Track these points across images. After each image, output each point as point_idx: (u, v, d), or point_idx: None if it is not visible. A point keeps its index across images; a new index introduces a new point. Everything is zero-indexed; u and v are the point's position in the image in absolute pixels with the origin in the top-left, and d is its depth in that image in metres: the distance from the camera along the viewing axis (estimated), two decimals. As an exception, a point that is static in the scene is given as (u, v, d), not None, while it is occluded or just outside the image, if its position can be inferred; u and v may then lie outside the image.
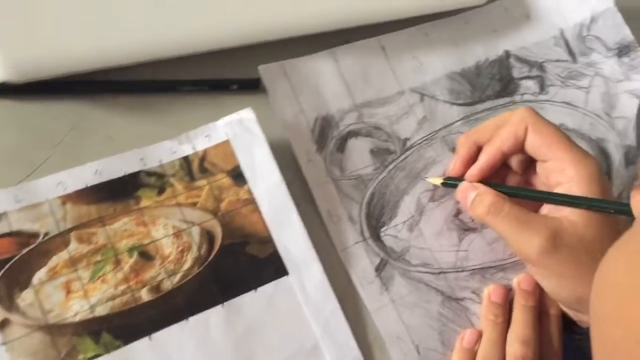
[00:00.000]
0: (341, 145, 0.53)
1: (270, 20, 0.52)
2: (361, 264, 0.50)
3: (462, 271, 0.52)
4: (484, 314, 0.50)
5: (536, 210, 0.49)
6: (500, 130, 0.49)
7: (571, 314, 0.50)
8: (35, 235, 0.43)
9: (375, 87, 0.55)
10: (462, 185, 0.50)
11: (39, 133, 0.47)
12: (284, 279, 0.47)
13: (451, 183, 0.52)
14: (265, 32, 0.52)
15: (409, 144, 0.55)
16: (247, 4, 0.51)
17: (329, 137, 0.53)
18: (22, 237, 0.42)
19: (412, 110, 0.56)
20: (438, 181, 0.53)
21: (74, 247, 0.43)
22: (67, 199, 0.44)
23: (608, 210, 0.44)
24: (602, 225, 0.44)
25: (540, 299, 0.50)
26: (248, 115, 0.50)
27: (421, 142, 0.55)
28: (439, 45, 0.59)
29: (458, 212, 0.54)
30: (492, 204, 0.46)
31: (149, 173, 0.47)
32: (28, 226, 0.43)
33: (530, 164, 0.51)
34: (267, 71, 0.52)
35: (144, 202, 0.46)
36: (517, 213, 0.45)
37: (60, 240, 0.43)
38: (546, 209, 0.48)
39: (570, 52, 0.63)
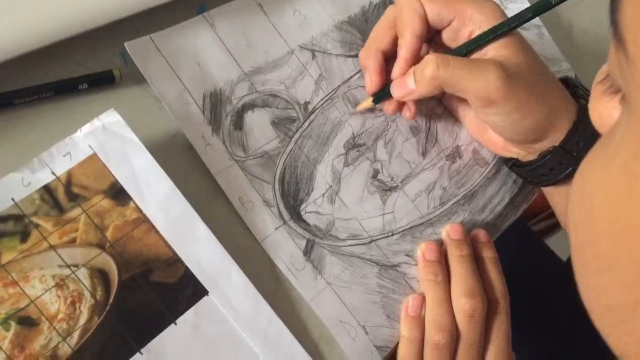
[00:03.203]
0: (238, 122, 0.46)
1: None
2: (287, 251, 0.45)
3: (392, 235, 0.48)
4: (422, 276, 0.47)
5: None
6: (401, 19, 0.46)
7: (521, 151, 0.49)
8: None
9: (261, 50, 0.49)
10: (397, 80, 0.47)
11: None
12: (204, 300, 0.40)
13: (382, 93, 0.48)
14: (105, 11, 0.42)
15: (310, 107, 0.49)
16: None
17: (223, 115, 0.46)
18: None
19: (306, 69, 0.50)
20: (369, 102, 0.49)
21: None
22: None
23: (529, 18, 0.44)
24: (526, 50, 0.45)
25: (473, 246, 0.48)
26: (112, 117, 0.40)
27: (323, 104, 0.50)
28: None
29: (376, 173, 0.49)
30: (437, 59, 0.44)
31: (3, 218, 0.37)
32: None
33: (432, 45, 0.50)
34: (135, 48, 0.43)
35: (6, 256, 0.36)
36: (463, 59, 0.44)
37: None
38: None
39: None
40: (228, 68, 0.48)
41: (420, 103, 0.49)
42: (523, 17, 0.44)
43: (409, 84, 0.45)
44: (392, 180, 0.50)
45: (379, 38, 0.48)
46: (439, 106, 0.53)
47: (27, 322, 0.35)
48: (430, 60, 0.44)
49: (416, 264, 0.48)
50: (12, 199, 0.37)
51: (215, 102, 0.46)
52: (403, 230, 0.49)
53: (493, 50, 0.45)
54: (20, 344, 0.35)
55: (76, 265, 0.38)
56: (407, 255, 0.48)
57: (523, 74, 0.44)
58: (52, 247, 0.37)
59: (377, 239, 0.48)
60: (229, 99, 0.47)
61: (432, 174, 0.51)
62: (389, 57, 0.49)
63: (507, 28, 0.44)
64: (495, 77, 0.43)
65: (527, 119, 0.45)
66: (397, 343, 0.45)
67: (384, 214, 0.49)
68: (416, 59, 0.47)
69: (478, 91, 0.44)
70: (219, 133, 0.46)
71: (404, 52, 0.46)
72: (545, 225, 0.93)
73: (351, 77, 0.52)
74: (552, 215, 0.54)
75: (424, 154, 0.52)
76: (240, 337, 0.40)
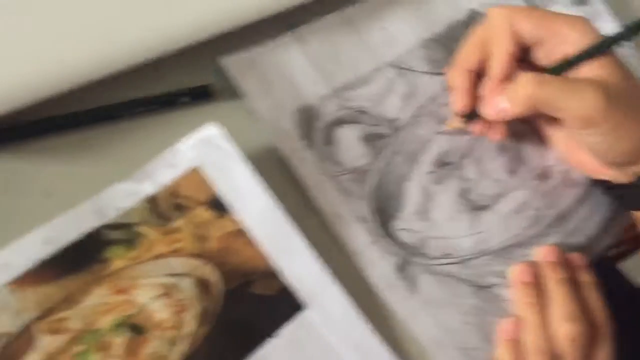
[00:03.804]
0: (328, 137, 0.47)
1: (201, 15, 0.43)
2: (381, 268, 0.44)
3: (484, 255, 0.47)
4: (519, 299, 0.45)
5: None
6: (492, 36, 0.45)
7: (614, 173, 0.47)
8: (-12, 341, 0.32)
9: (349, 67, 0.49)
10: (488, 99, 0.45)
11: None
12: (302, 314, 0.40)
13: (471, 113, 0.47)
14: (198, 29, 0.43)
15: (398, 124, 0.49)
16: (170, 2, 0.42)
17: (315, 130, 0.46)
18: (-28, 349, 0.32)
19: (393, 86, 0.50)
20: (457, 122, 0.48)
21: (46, 343, 0.33)
22: (17, 284, 0.34)
23: (627, 37, 0.43)
24: (622, 70, 0.44)
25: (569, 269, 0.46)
26: (214, 130, 0.41)
27: (410, 121, 0.49)
28: (404, 12, 0.53)
29: (465, 192, 0.49)
30: (534, 77, 0.42)
31: (112, 226, 0.37)
32: (-24, 332, 0.32)
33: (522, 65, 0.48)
34: (231, 64, 0.44)
35: (116, 264, 0.36)
36: (560, 78, 0.43)
37: (24, 339, 0.33)
38: None
39: (531, 3, 0.58)
40: (318, 84, 0.48)
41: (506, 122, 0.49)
42: (620, 37, 0.43)
43: (502, 104, 0.45)
44: (481, 199, 0.49)
45: (468, 57, 0.47)
46: (526, 125, 0.53)
47: (136, 330, 0.35)
48: (527, 79, 0.43)
49: (509, 286, 0.47)
50: (120, 209, 0.38)
51: (306, 118, 0.47)
52: (495, 251, 0.48)
53: (588, 70, 0.44)
54: (132, 350, 0.35)
55: (181, 275, 0.38)
56: (499, 277, 0.47)
57: (621, 94, 0.43)
58: (158, 257, 0.38)
59: (469, 259, 0.47)
60: (318, 115, 0.47)
61: (521, 193, 0.50)
62: (477, 76, 0.48)
63: (604, 48, 0.43)
64: (595, 97, 0.42)
65: (625, 140, 0.43)
66: (494, 366, 0.44)
67: (475, 234, 0.48)
68: (508, 78, 0.46)
69: (577, 111, 0.43)
70: (312, 148, 0.46)
71: (496, 71, 0.45)
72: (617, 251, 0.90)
73: (437, 95, 0.52)
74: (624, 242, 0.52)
75: (512, 173, 0.51)
76: (338, 354, 0.39)
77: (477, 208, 0.49)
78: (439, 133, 0.50)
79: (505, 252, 0.48)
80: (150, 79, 0.43)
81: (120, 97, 0.42)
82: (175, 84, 0.44)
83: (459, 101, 0.47)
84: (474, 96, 0.47)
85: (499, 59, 0.45)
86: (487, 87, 0.46)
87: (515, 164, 0.52)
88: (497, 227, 0.49)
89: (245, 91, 0.45)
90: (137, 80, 0.43)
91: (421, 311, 0.44)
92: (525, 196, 0.50)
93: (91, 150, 0.40)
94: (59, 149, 0.39)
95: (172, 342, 0.36)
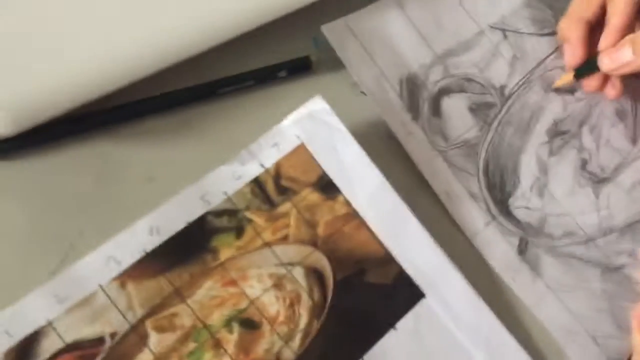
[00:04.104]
0: (436, 108, 0.43)
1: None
2: (500, 250, 0.41)
3: (610, 233, 0.43)
4: None
5: None
6: None
7: None
8: (99, 340, 0.30)
9: (451, 31, 0.45)
10: (608, 51, 0.41)
11: (57, 196, 0.33)
12: (421, 303, 0.36)
13: (585, 68, 0.43)
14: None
15: (507, 92, 0.45)
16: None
17: (420, 101, 0.43)
18: (84, 349, 0.30)
19: (499, 51, 0.45)
20: (569, 77, 0.44)
21: (156, 341, 0.31)
22: (125, 277, 0.31)
23: None
24: None
25: None
26: (318, 105, 0.37)
27: (519, 88, 0.45)
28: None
29: (584, 163, 0.44)
30: None
31: (218, 213, 0.34)
32: (86, 332, 0.30)
33: None
34: (332, 32, 0.41)
35: (224, 254, 0.34)
36: None
37: (135, 337, 0.31)
38: None
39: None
40: (420, 51, 0.44)
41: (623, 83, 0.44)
42: None
43: (624, 56, 0.40)
44: (602, 171, 0.45)
45: (583, 5, 0.43)
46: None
47: (249, 325, 0.33)
48: None
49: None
50: (225, 193, 0.35)
51: (411, 88, 0.43)
52: (621, 228, 0.44)
53: None
54: (245, 348, 0.32)
55: (292, 264, 0.35)
56: (630, 256, 0.43)
57: None
58: (267, 244, 0.35)
59: (595, 238, 0.43)
60: (424, 84, 0.43)
61: (645, 163, 0.45)
62: (592, 28, 0.43)
63: None
64: None
65: None
66: (630, 356, 0.40)
67: (599, 210, 0.43)
68: (630, 28, 0.42)
69: None
70: (419, 121, 0.42)
71: (616, 20, 0.41)
72: None
73: (547, 57, 0.47)
74: None
75: (634, 140, 0.46)
76: (462, 346, 0.36)
77: (599, 181, 0.44)
78: (551, 100, 0.46)
79: (632, 228, 0.44)
80: (245, 54, 0.40)
81: (214, 75, 0.39)
82: (272, 58, 0.41)
83: (572, 53, 0.44)
84: (588, 48, 0.43)
85: (620, 6, 0.41)
86: (606, 37, 0.42)
87: (637, 130, 0.47)
88: (621, 202, 0.44)
89: (347, 61, 0.41)
90: (230, 56, 0.39)
91: (548, 297, 0.40)
92: (650, 166, 0.45)
93: (190, 132, 0.37)
94: (157, 131, 0.37)
95: (287, 338, 0.33)
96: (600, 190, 0.44)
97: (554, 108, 0.45)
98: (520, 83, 0.45)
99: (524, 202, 0.43)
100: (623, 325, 0.41)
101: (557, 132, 0.45)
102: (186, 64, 0.37)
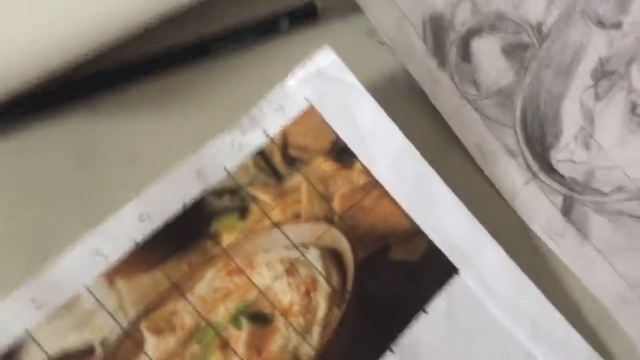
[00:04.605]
0: (465, 52, 0.38)
1: None
2: (542, 211, 0.36)
3: (667, 184, 0.38)
4: None
5: None
6: None
7: None
8: (89, 350, 0.26)
9: None
10: None
11: (29, 185, 0.29)
12: (454, 280, 0.32)
13: None
14: None
15: (544, 29, 0.39)
16: None
17: (447, 44, 0.37)
18: (71, 361, 0.26)
19: (533, -18, 0.39)
20: None
21: (154, 345, 0.27)
22: (114, 274, 0.27)
23: None
24: None
25: None
26: (327, 58, 0.32)
27: (559, 24, 0.39)
28: None
29: (634, 106, 0.39)
30: None
31: (217, 192, 0.30)
32: (73, 340, 0.26)
33: None
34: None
35: (227, 238, 0.29)
36: None
37: (129, 343, 0.27)
38: None
39: None
40: (445, -15, 0.38)
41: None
42: None
43: None
44: None
45: None
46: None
47: (260, 319, 0.29)
48: None
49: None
50: (225, 168, 0.30)
51: (436, 30, 0.37)
52: (681, 178, 0.38)
53: None
54: (257, 345, 0.28)
55: (305, 245, 0.30)
56: (690, 211, 0.38)
57: None
58: (275, 225, 0.30)
59: (651, 191, 0.38)
60: (451, 25, 0.38)
61: None
62: None
63: None
64: None
65: None
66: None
67: (655, 159, 0.38)
68: None
69: None
70: (446, 67, 0.37)
71: None
72: None
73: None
74: None
75: (691, 77, 0.40)
76: (503, 326, 0.32)
77: None
78: (594, 32, 0.40)
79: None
80: (240, 3, 0.35)
81: (205, 31, 0.34)
82: (271, 7, 0.35)
83: None
84: None
85: None
86: None
87: (694, 65, 0.41)
88: (679, 148, 0.39)
89: (364, 3, 0.36)
90: (223, 7, 0.34)
91: (597, 261, 0.36)
92: None
93: (181, 99, 0.33)
94: (142, 101, 0.32)
95: (305, 330, 0.29)
96: (655, 136, 0.39)
97: (599, 45, 0.39)
98: (559, 19, 0.39)
99: (567, 154, 0.38)
100: (684, 291, 0.36)
101: (603, 73, 0.39)
102: (171, 20, 0.31)
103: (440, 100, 0.36)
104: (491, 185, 0.36)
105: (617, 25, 0.40)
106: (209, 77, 0.33)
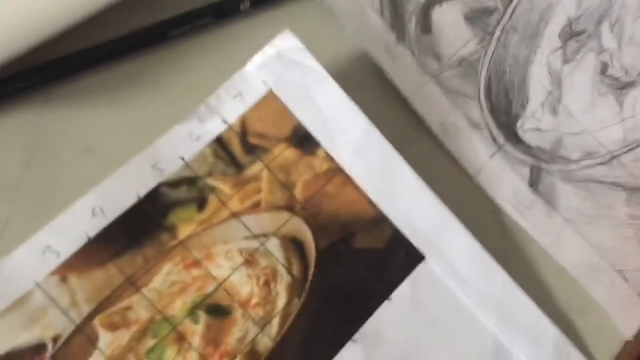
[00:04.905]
0: (425, 23, 0.37)
1: None
2: (508, 184, 0.36)
3: (638, 147, 0.37)
4: None
5: None
6: None
7: None
8: (40, 347, 0.26)
9: None
10: None
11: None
12: (420, 267, 0.31)
13: None
14: None
15: (510, -9, 0.38)
16: None
17: (406, 16, 0.36)
18: (23, 359, 0.26)
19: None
20: None
21: (109, 341, 0.27)
22: (66, 270, 0.27)
23: None
24: None
25: None
26: (288, 42, 0.31)
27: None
28: None
29: (605, 67, 0.38)
30: None
31: (174, 183, 0.29)
32: (24, 338, 0.26)
33: None
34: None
35: (184, 231, 0.29)
36: None
37: (82, 339, 0.27)
38: None
39: None
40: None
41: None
42: None
43: None
44: (626, 74, 0.38)
45: None
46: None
47: (218, 312, 0.28)
48: None
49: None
50: (182, 158, 0.30)
51: (394, 1, 0.36)
52: (652, 139, 0.38)
53: None
54: (214, 338, 0.28)
55: (265, 235, 0.30)
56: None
57: None
58: (234, 215, 0.30)
59: (620, 154, 0.37)
60: None
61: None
62: None
63: None
64: None
65: None
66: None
67: (624, 120, 0.38)
68: None
69: None
70: (405, 40, 0.36)
71: None
72: None
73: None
74: None
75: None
76: (469, 311, 0.31)
77: (623, 86, 0.38)
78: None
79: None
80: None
81: (161, 15, 0.33)
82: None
83: None
84: None
85: None
86: None
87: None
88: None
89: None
90: None
91: (566, 232, 0.35)
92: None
93: (136, 87, 0.32)
94: (95, 90, 0.31)
95: (263, 322, 0.28)
96: (624, 97, 0.38)
97: (567, 5, 0.38)
98: (526, -22, 0.38)
99: (534, 123, 0.37)
100: (656, 257, 0.36)
101: (572, 34, 0.38)
102: (125, 4, 0.30)
103: (400, 77, 0.35)
104: (458, 166, 0.35)
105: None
106: (166, 65, 0.32)
